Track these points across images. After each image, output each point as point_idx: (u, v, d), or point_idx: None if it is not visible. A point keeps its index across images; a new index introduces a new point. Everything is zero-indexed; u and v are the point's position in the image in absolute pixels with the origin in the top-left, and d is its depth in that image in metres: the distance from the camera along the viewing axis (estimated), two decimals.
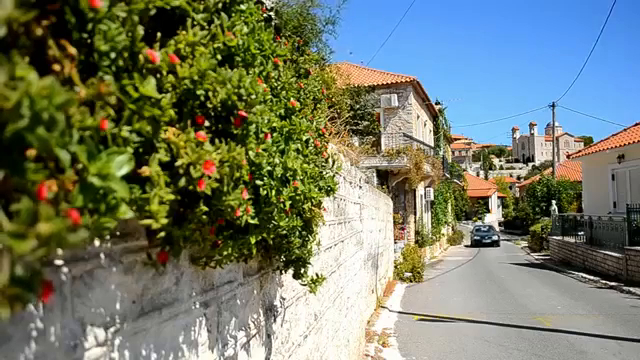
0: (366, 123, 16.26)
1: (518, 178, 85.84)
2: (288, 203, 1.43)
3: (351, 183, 4.88)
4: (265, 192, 1.28)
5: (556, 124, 30.05)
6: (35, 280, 0.54)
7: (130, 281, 1.01)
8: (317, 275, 2.12)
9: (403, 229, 16.03)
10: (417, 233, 18.36)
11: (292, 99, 1.69)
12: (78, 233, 0.58)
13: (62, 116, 0.55)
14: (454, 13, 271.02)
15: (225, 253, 1.27)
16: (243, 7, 1.22)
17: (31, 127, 0.52)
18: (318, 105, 2.30)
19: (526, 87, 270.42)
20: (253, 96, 1.06)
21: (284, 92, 1.65)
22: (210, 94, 0.98)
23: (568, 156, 23.18)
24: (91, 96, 0.66)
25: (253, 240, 1.33)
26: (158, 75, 0.87)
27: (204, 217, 1.03)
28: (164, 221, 0.84)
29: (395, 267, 12.48)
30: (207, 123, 1.00)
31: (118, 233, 0.95)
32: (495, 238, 27.15)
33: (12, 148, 0.52)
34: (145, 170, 0.82)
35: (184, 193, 0.94)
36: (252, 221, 1.22)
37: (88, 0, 0.65)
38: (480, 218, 49.09)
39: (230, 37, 1.08)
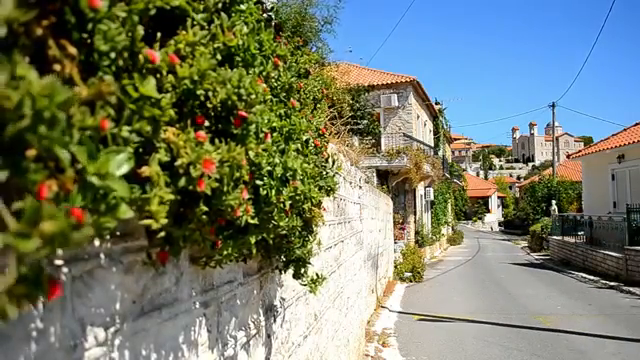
0: (366, 123, 16.27)
1: (518, 178, 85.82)
2: (288, 203, 1.43)
3: (351, 183, 4.88)
4: (265, 192, 1.28)
5: (556, 124, 30.03)
6: (41, 278, 0.55)
7: (130, 281, 1.01)
8: (317, 275, 2.12)
9: (403, 229, 16.03)
10: (417, 233, 18.34)
11: (292, 99, 1.69)
12: (82, 231, 0.57)
13: (63, 115, 0.55)
14: (454, 13, 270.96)
15: (225, 253, 1.27)
16: (243, 7, 1.22)
17: (33, 126, 0.52)
18: (318, 105, 2.30)
19: (526, 87, 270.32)
20: (253, 96, 1.06)
21: (284, 93, 1.65)
22: (210, 94, 0.98)
23: (568, 156, 23.17)
24: (92, 96, 0.66)
25: (253, 240, 1.33)
26: (158, 75, 0.87)
27: (204, 217, 1.03)
28: (164, 221, 0.84)
29: (395, 267, 12.47)
30: (207, 123, 1.00)
31: (118, 233, 0.95)
32: None
33: (14, 148, 0.52)
34: (145, 170, 0.82)
35: (184, 193, 0.94)
36: (252, 221, 1.21)
37: (88, 0, 0.65)
38: (480, 218, 49.06)
39: (230, 37, 1.08)
